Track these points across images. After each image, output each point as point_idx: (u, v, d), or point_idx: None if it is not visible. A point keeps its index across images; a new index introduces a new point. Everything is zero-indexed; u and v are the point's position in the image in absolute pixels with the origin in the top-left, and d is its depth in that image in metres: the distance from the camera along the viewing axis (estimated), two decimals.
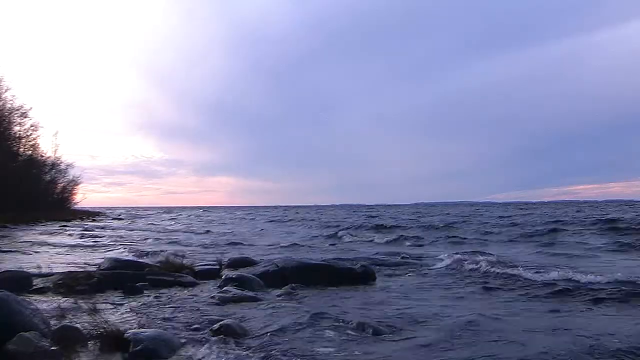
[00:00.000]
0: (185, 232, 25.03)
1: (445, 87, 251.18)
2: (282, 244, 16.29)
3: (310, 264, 8.59)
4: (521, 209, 64.22)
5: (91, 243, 16.19)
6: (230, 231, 25.86)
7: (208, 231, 25.41)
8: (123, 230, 25.93)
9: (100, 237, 19.34)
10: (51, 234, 20.78)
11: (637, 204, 73.67)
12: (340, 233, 22.64)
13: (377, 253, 12.70)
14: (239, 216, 55.20)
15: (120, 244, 15.63)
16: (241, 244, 16.84)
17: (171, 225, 34.07)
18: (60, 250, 13.52)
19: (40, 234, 20.39)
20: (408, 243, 17.76)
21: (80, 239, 18.32)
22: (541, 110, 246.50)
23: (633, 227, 19.79)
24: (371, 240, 19.33)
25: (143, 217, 51.69)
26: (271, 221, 40.03)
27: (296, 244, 16.36)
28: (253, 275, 7.71)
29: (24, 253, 12.07)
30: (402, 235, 20.35)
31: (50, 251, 13.10)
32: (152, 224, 35.67)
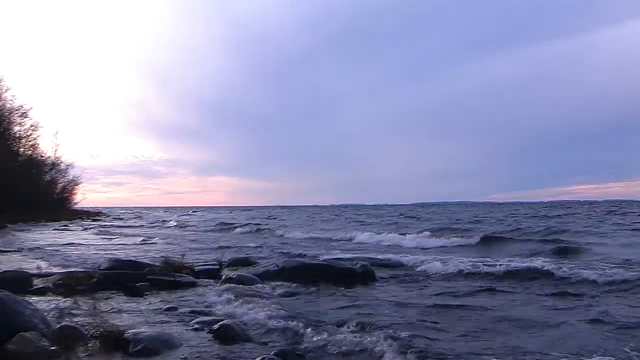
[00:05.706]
0: None
1: (445, 87, 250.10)
2: None
3: (310, 264, 8.60)
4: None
5: None
6: None
7: None
8: None
9: None
10: None
11: (638, 204, 73.39)
12: None
13: None
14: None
15: None
16: None
17: None
18: None
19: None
20: None
21: None
22: (541, 110, 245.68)
23: None
24: None
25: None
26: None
27: None
28: (253, 275, 7.71)
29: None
30: None
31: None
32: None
